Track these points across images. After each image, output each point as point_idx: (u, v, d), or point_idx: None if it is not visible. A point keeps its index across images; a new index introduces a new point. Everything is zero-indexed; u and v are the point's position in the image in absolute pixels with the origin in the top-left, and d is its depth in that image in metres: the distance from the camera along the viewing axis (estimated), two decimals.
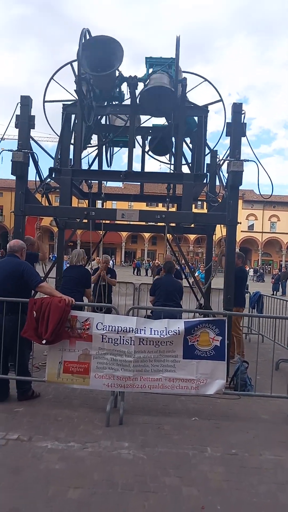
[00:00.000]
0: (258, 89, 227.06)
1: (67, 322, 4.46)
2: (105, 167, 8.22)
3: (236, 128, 5.94)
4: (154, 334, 4.42)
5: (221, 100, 6.86)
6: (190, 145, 7.63)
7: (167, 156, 8.37)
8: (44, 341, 4.37)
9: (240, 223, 6.04)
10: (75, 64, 6.05)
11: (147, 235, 55.40)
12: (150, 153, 7.95)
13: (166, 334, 4.42)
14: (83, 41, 5.56)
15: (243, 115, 5.95)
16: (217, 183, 7.29)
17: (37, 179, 6.50)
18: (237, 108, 5.95)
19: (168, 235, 6.70)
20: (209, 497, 3.07)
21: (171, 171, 7.73)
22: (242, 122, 5.95)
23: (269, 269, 60.11)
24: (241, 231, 62.10)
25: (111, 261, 44.87)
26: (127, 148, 6.69)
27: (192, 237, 53.44)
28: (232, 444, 3.97)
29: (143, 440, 3.91)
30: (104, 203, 8.78)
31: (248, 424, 4.48)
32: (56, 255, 17.22)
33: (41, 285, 4.67)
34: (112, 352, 4.41)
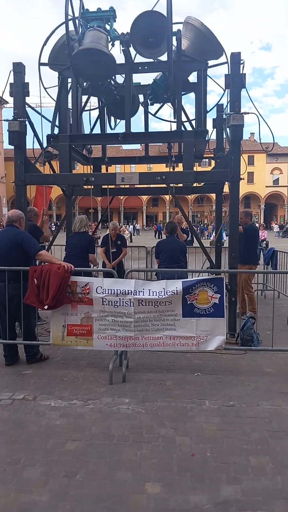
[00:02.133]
0: (282, 35, 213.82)
1: (68, 287, 4.59)
2: (109, 130, 8.08)
3: (235, 79, 5.71)
4: (153, 295, 4.50)
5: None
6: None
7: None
8: (46, 307, 4.53)
9: (243, 179, 5.89)
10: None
11: (167, 197, 54.69)
12: (152, 112, 7.73)
13: (164, 295, 4.49)
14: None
15: (241, 65, 5.69)
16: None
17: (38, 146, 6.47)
18: (235, 58, 5.69)
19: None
20: (201, 445, 3.21)
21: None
22: (241, 73, 5.70)
23: None
24: (266, 186, 60.59)
25: (131, 226, 44.53)
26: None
27: (214, 196, 52.42)
28: (231, 396, 4.08)
29: (143, 396, 4.07)
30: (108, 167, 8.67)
31: (251, 377, 4.56)
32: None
33: (40, 253, 4.77)
34: (113, 314, 4.54)
